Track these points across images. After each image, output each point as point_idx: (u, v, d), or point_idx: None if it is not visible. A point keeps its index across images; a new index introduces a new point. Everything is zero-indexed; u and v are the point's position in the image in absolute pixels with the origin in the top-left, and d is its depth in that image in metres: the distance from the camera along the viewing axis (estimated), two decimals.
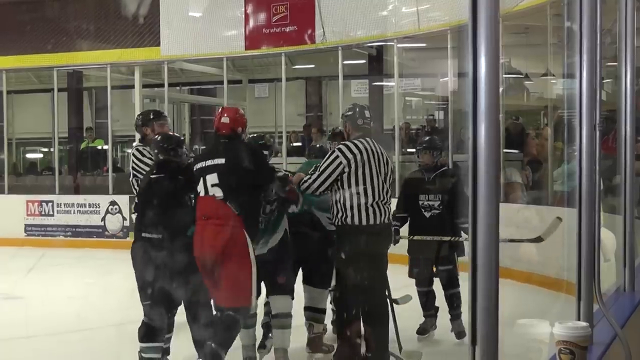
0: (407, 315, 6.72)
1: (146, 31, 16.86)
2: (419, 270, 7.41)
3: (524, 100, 14.81)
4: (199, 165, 5.85)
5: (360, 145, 6.08)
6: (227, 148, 5.87)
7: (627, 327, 3.80)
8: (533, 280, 9.38)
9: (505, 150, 11.14)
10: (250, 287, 5.70)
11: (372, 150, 6.10)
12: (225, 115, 6.00)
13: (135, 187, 6.61)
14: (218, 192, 5.68)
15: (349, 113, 6.32)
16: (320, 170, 6.06)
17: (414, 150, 14.84)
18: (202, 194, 5.76)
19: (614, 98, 5.20)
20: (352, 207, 6.02)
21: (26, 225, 15.91)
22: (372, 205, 6.06)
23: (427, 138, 8.51)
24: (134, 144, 6.57)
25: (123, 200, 15.08)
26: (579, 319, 3.47)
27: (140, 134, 7.04)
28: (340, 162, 6.01)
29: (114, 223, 15.30)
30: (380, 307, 6.25)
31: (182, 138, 7.17)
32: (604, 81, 4.66)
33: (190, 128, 21.32)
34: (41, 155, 24.67)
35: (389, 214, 6.32)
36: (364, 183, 6.04)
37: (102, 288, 9.61)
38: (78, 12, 18.36)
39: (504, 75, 12.21)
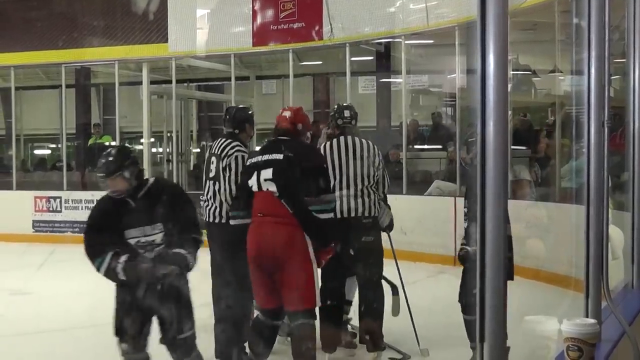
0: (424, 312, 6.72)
1: (154, 28, 16.88)
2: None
3: (532, 97, 14.78)
4: (253, 160, 5.79)
5: (329, 145, 6.53)
6: (286, 144, 5.75)
7: (635, 324, 3.80)
8: (541, 277, 9.36)
9: (513, 147, 11.12)
10: (315, 287, 5.55)
11: (341, 147, 6.49)
12: (287, 109, 6.08)
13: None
14: (272, 187, 5.55)
15: (331, 114, 6.81)
16: None
17: (421, 146, 14.91)
18: (255, 189, 5.62)
19: (622, 95, 5.19)
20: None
21: (34, 222, 15.94)
22: (342, 199, 6.35)
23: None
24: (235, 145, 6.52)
25: None
26: (587, 316, 3.47)
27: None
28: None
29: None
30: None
31: None
32: (612, 78, 4.65)
33: (197, 124, 21.31)
34: (49, 152, 24.72)
35: (367, 208, 6.46)
36: (338, 176, 6.40)
37: (110, 284, 9.60)
38: (86, 9, 18.38)
39: (512, 72, 12.19)
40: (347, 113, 6.69)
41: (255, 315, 5.98)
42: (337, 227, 6.09)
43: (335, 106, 6.91)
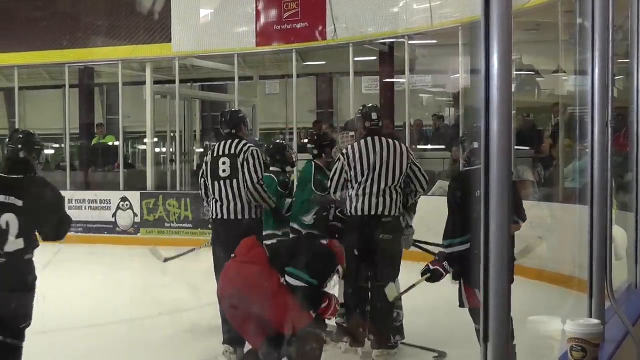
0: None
1: (157, 28, 16.89)
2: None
3: (535, 97, 14.78)
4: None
5: (357, 146, 6.71)
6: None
7: (639, 325, 3.80)
8: (544, 277, 9.36)
9: (516, 147, 11.11)
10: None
11: (369, 148, 6.66)
12: None
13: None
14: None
15: (358, 116, 6.96)
16: (331, 176, 6.77)
17: (425, 147, 14.91)
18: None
19: (625, 95, 5.19)
20: (349, 199, 6.64)
21: None
22: (365, 198, 6.58)
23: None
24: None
25: (134, 197, 15.14)
26: (590, 316, 3.47)
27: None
28: (340, 159, 6.75)
29: (124, 219, 15.34)
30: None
31: None
32: (616, 78, 4.65)
33: (201, 124, 21.34)
34: (53, 152, 24.75)
35: (388, 207, 6.61)
36: (361, 176, 6.60)
37: (114, 284, 9.64)
38: (89, 9, 18.40)
39: (516, 72, 12.19)
40: (374, 115, 6.86)
41: None
42: (358, 224, 6.55)
43: (361, 107, 7.08)
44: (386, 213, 6.62)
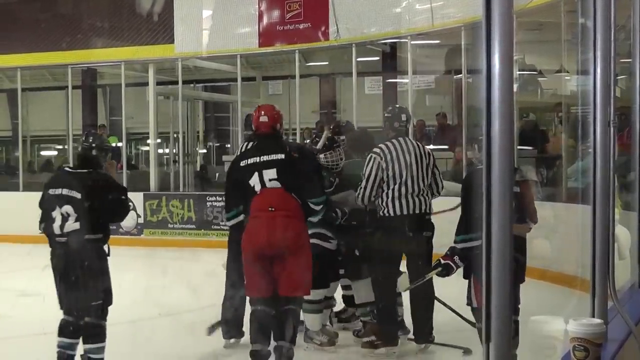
0: None
1: (160, 29, 16.90)
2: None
3: (538, 97, 14.77)
4: (250, 161, 6.03)
5: (391, 145, 6.76)
6: (280, 145, 6.17)
7: None
8: (547, 277, 9.35)
9: (518, 147, 11.10)
10: (310, 277, 6.04)
11: (403, 148, 6.76)
12: (263, 113, 6.31)
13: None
14: (276, 185, 5.92)
15: (388, 115, 7.04)
16: (365, 176, 6.71)
17: (428, 147, 14.89)
18: (257, 187, 5.94)
19: (628, 94, 5.18)
20: (387, 199, 6.68)
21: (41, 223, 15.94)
22: (408, 197, 6.68)
23: None
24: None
25: (137, 198, 15.13)
26: (593, 316, 3.47)
27: None
28: (375, 159, 6.71)
29: (127, 220, 15.23)
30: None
31: None
32: (618, 77, 4.64)
33: (204, 125, 21.36)
34: (56, 153, 24.77)
35: (427, 206, 6.80)
36: (400, 176, 6.67)
37: (115, 285, 9.62)
38: (92, 10, 18.42)
39: (518, 72, 12.18)
40: (403, 117, 6.98)
41: (254, 308, 6.11)
42: (401, 224, 6.66)
43: (390, 107, 7.24)
44: (427, 211, 6.81)
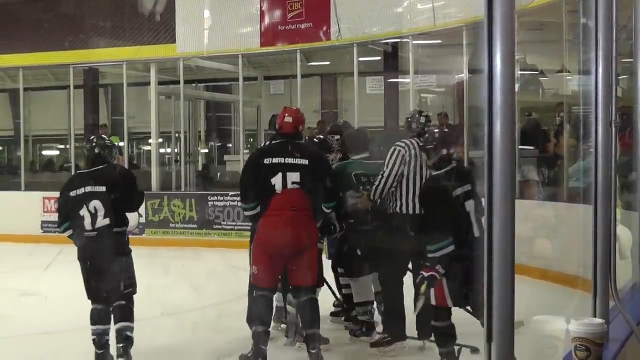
0: None
1: (162, 29, 16.90)
2: None
3: (540, 97, 14.77)
4: (276, 161, 6.34)
5: (413, 143, 6.89)
6: (303, 149, 6.52)
7: None
8: (549, 277, 9.35)
9: (520, 147, 11.10)
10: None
11: (416, 147, 6.86)
12: (288, 115, 6.57)
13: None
14: (297, 187, 6.28)
15: (408, 117, 7.31)
16: (388, 166, 6.81)
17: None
18: (279, 187, 6.27)
19: (630, 94, 5.18)
20: (403, 196, 6.82)
21: (43, 222, 15.97)
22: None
23: None
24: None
25: None
26: (594, 316, 3.47)
27: None
28: (400, 151, 6.81)
29: (129, 220, 15.32)
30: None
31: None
32: (620, 77, 4.64)
33: (206, 125, 21.35)
34: (58, 153, 24.78)
35: None
36: (418, 174, 6.82)
37: None
38: (94, 10, 18.41)
39: (520, 72, 12.17)
40: (423, 119, 7.15)
41: (256, 295, 6.40)
42: (416, 222, 6.68)
43: (412, 111, 7.68)
44: None
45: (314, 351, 6.26)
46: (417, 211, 6.71)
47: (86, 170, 6.72)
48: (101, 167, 6.59)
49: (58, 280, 10.10)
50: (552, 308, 7.36)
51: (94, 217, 6.36)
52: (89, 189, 6.41)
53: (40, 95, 21.82)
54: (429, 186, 6.38)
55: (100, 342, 6.43)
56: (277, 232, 6.26)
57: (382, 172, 6.81)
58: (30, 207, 16.03)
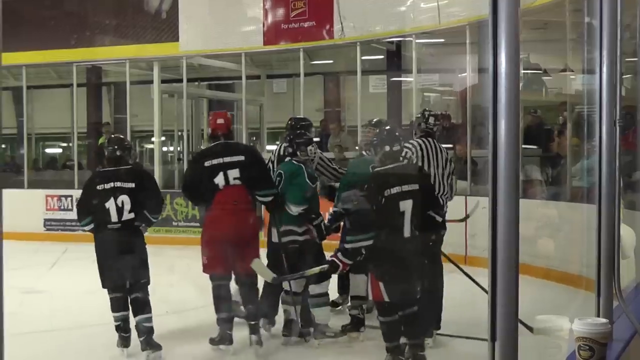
0: None
1: (165, 27, 16.88)
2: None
3: (543, 96, 14.75)
4: (215, 161, 6.92)
5: (422, 143, 7.12)
6: (237, 146, 7.25)
7: None
8: (552, 276, 9.35)
9: (523, 146, 11.09)
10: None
11: (429, 147, 7.11)
12: (219, 117, 7.32)
13: None
14: (238, 183, 6.87)
15: (418, 116, 7.52)
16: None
17: None
18: (222, 184, 6.87)
19: (633, 93, 5.18)
20: None
21: (45, 220, 15.98)
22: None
23: None
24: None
25: None
26: (598, 316, 3.47)
27: None
28: (407, 152, 6.92)
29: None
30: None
31: None
32: (623, 76, 4.64)
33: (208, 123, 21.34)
34: (60, 150, 24.78)
35: (445, 206, 7.09)
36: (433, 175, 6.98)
37: None
38: (97, 8, 18.41)
39: (523, 71, 12.16)
40: (432, 120, 7.36)
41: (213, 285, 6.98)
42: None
43: (422, 110, 7.70)
44: (445, 211, 7.09)
45: (252, 322, 6.92)
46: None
47: (111, 169, 7.04)
48: (126, 167, 7.02)
49: (63, 279, 10.13)
50: (556, 307, 7.38)
51: (120, 210, 6.77)
52: (118, 183, 6.84)
53: (43, 93, 21.80)
54: (370, 181, 6.53)
55: (126, 327, 6.87)
56: (222, 224, 6.90)
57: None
58: (33, 205, 16.04)
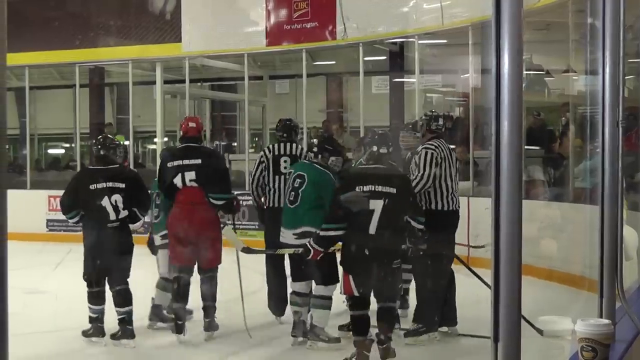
0: None
1: (168, 27, 16.91)
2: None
3: (545, 97, 14.74)
4: (176, 163, 7.34)
5: (436, 144, 7.20)
6: (198, 150, 7.52)
7: None
8: (554, 277, 9.34)
9: (526, 147, 11.08)
10: (221, 251, 7.46)
11: (445, 148, 7.25)
12: (191, 121, 7.72)
13: None
14: (194, 185, 7.25)
15: (426, 118, 7.50)
16: (422, 168, 7.04)
17: None
18: (180, 185, 7.27)
19: (636, 94, 5.18)
20: (435, 196, 7.15)
21: (48, 221, 15.99)
22: (454, 193, 7.24)
23: None
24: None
25: None
26: (601, 317, 3.47)
27: None
28: (432, 153, 7.09)
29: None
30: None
31: None
32: (626, 77, 4.64)
33: (211, 124, 21.35)
34: (63, 151, 24.79)
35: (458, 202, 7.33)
36: (448, 173, 7.16)
37: None
38: (100, 9, 18.42)
39: (525, 72, 12.15)
40: (441, 121, 7.42)
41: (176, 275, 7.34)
42: (452, 218, 7.25)
43: (429, 112, 7.72)
44: (459, 207, 7.35)
45: (207, 319, 7.27)
46: (455, 207, 7.19)
47: (100, 167, 7.41)
48: (114, 166, 7.38)
49: (67, 279, 10.12)
50: (558, 308, 7.38)
51: (116, 209, 7.13)
52: (110, 183, 7.16)
53: (45, 93, 21.83)
54: (349, 175, 7.02)
55: (102, 318, 7.26)
56: (180, 222, 7.29)
57: (417, 174, 7.04)
58: (36, 205, 16.04)
